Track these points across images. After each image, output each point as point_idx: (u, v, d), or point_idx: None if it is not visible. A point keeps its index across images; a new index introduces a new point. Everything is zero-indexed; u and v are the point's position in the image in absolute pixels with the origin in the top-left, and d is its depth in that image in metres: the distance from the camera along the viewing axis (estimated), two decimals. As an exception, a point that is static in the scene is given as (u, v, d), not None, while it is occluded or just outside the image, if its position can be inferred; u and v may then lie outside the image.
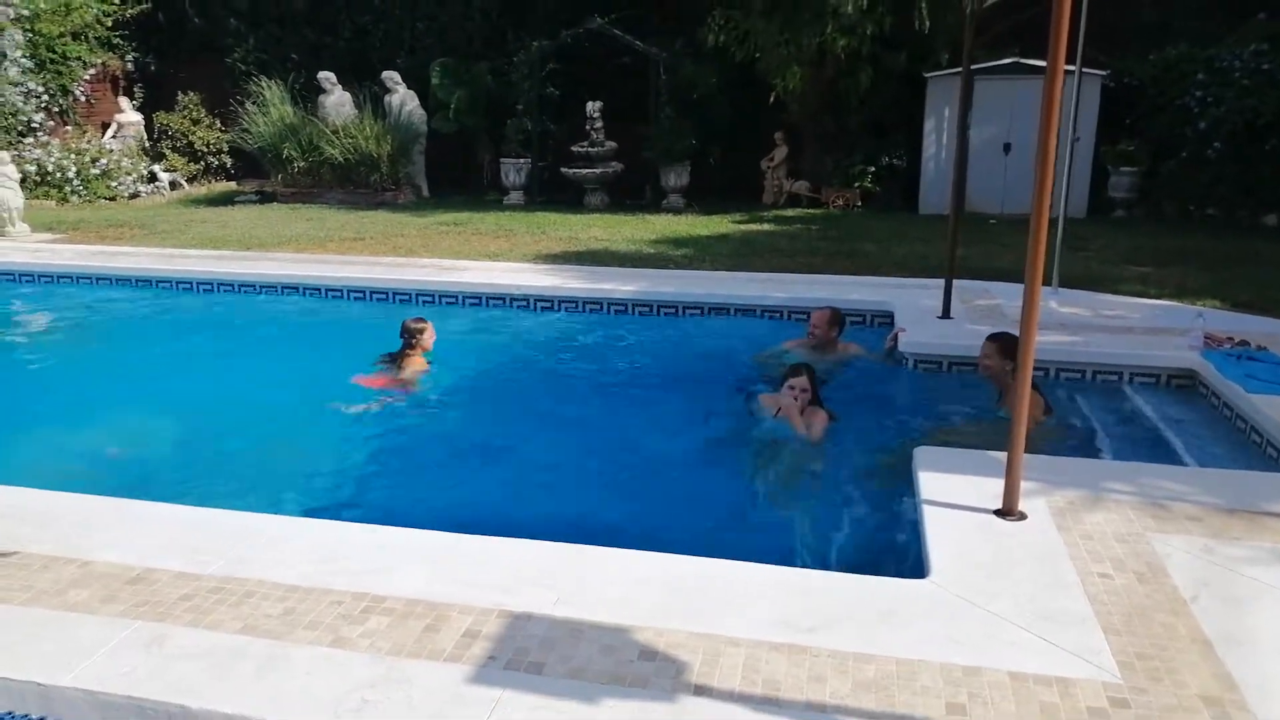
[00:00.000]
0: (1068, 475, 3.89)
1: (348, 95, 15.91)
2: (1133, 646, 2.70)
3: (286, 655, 2.63)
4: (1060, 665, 2.61)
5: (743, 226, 12.57)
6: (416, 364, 6.14)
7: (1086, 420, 5.25)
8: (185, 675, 2.54)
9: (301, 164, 15.58)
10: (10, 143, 15.52)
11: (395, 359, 6.18)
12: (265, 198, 15.79)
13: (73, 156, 15.89)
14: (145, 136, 17.72)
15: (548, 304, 8.08)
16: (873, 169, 14.01)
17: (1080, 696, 2.47)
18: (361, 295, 8.52)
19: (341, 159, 15.28)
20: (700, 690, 2.48)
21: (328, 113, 15.74)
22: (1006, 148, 13.32)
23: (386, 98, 15.93)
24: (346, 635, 2.73)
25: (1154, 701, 2.45)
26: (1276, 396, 4.88)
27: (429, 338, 6.25)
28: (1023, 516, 3.48)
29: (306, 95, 16.13)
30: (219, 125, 17.72)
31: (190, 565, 3.14)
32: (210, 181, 18.05)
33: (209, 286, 8.95)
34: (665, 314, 7.82)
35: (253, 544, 3.30)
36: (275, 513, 3.73)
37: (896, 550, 3.71)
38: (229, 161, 18.01)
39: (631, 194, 15.27)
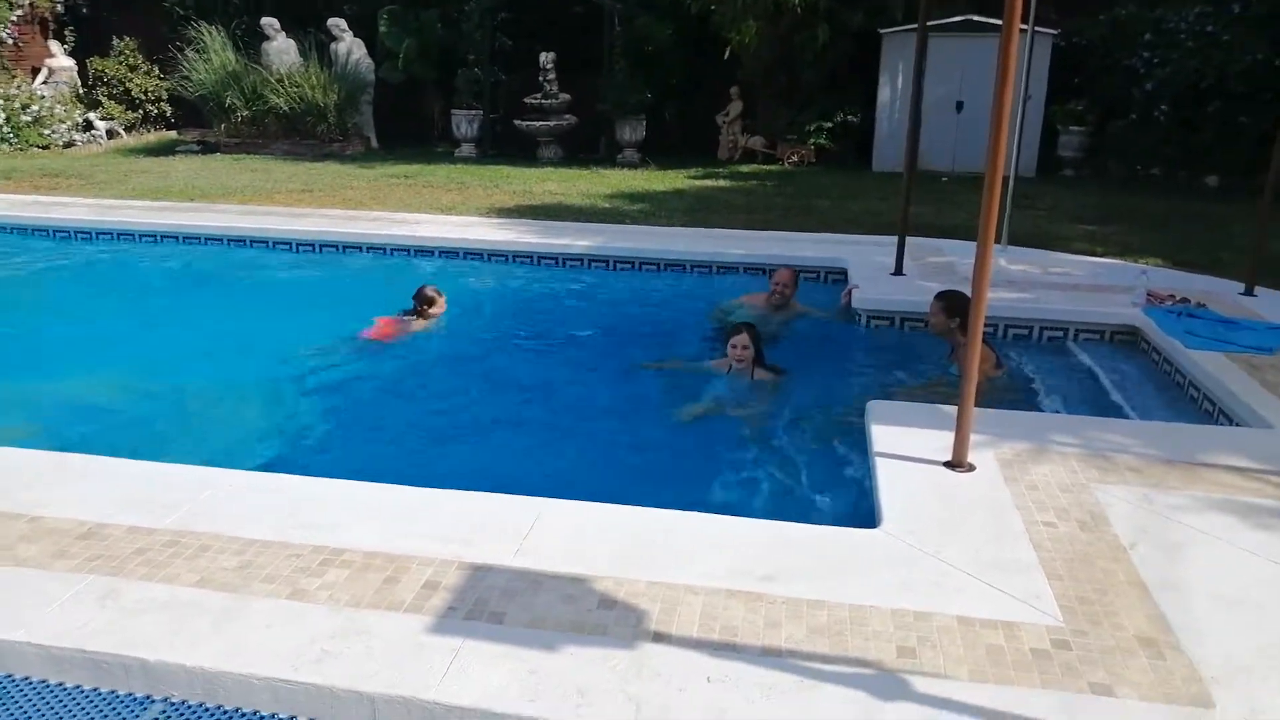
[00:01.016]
0: (1015, 428, 4.00)
1: (292, 43, 15.41)
2: (1074, 591, 2.80)
3: (244, 608, 2.61)
4: (1006, 610, 2.70)
5: (698, 182, 12.53)
6: (415, 327, 6.12)
7: (1034, 376, 5.38)
8: (141, 629, 2.51)
9: (245, 113, 15.12)
10: (-66, 87, 14.83)
11: (402, 316, 6.18)
12: (208, 148, 15.31)
13: (1, 103, 15.22)
14: (79, 83, 17.00)
15: (502, 258, 8.00)
16: (828, 125, 14.01)
17: (1024, 639, 2.57)
18: (311, 248, 8.36)
19: (287, 108, 14.86)
20: (659, 637, 2.53)
21: (271, 60, 15.25)
22: (959, 106, 13.40)
23: (332, 45, 15.47)
24: (305, 588, 2.72)
25: (1093, 643, 2.55)
26: (1213, 352, 5.05)
27: (438, 309, 6.23)
28: (972, 468, 3.57)
29: (249, 42, 15.58)
30: (157, 72, 17.07)
31: (144, 520, 3.10)
32: (150, 131, 17.42)
33: (152, 239, 8.71)
34: (621, 269, 7.80)
35: (208, 498, 3.26)
36: (231, 468, 3.68)
37: (850, 501, 3.79)
38: (169, 110, 17.37)
39: (586, 147, 15.11)
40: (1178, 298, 6.03)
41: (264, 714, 2.37)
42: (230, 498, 3.28)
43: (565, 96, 14.82)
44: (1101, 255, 8.01)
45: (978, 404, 3.59)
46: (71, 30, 17.59)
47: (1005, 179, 6.66)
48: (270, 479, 3.58)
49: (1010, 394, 4.96)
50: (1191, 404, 4.89)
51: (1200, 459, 3.73)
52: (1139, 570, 2.92)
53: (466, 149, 15.16)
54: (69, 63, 16.99)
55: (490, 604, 2.66)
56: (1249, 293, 6.39)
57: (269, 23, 15.34)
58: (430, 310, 6.20)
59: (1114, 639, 2.57)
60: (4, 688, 2.44)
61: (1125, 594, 2.79)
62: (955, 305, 5.08)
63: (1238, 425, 4.34)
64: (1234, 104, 11.68)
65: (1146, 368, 5.49)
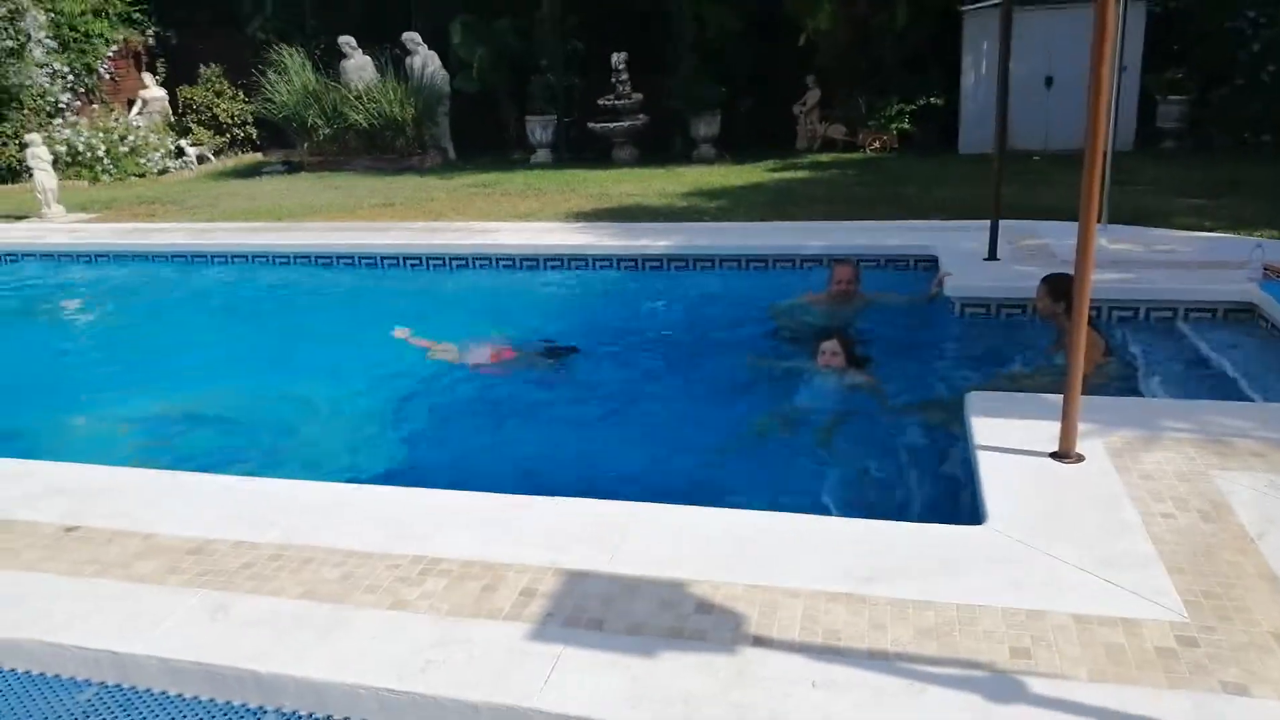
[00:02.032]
0: (1124, 415, 3.80)
1: (368, 59, 15.81)
2: (1199, 585, 2.64)
3: (348, 619, 2.66)
4: (1125, 606, 2.56)
5: (777, 174, 12.37)
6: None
7: (1142, 359, 5.13)
8: (251, 641, 2.58)
9: (326, 131, 15.56)
10: (40, 124, 15.68)
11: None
12: (292, 168, 15.83)
13: (101, 135, 16.02)
14: (170, 111, 17.80)
15: (582, 263, 8.02)
16: (910, 109, 13.67)
17: (1147, 637, 2.43)
18: (395, 262, 8.54)
19: (366, 124, 15.24)
20: (759, 641, 2.48)
21: (349, 78, 15.67)
22: (1048, 81, 12.93)
23: (408, 60, 15.81)
24: (406, 597, 2.75)
25: (1224, 640, 2.40)
26: (1339, 326, 4.73)
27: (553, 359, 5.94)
28: (1080, 458, 3.41)
29: (327, 61, 16.06)
30: (242, 96, 17.74)
31: (248, 534, 3.18)
32: (237, 154, 18.13)
33: (244, 259, 9.02)
34: (701, 268, 7.74)
35: (307, 512, 3.33)
36: (329, 480, 3.76)
37: (953, 497, 3.66)
38: (254, 132, 18.04)
39: (661, 146, 15.09)
40: (1297, 270, 5.67)
41: (371, 723, 2.40)
42: (329, 510, 3.35)
43: (638, 96, 14.82)
44: (1210, 230, 7.60)
45: (1086, 394, 3.43)
46: (162, 61, 18.43)
47: (1103, 154, 6.37)
48: (367, 491, 3.64)
49: (1120, 383, 4.73)
50: (1318, 382, 4.59)
51: (1332, 441, 3.49)
52: (1269, 562, 2.74)
53: (542, 155, 15.30)
54: (160, 93, 17.80)
55: (588, 610, 2.65)
56: (1375, 260, 5.97)
57: (346, 40, 15.77)
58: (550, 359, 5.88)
59: (1246, 635, 2.41)
60: (128, 698, 2.54)
61: (1256, 587, 2.62)
62: (1061, 288, 4.85)
63: (1371, 403, 4.05)
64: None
65: (1266, 345, 5.17)
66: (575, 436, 4.88)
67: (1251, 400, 4.42)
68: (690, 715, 2.22)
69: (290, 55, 15.71)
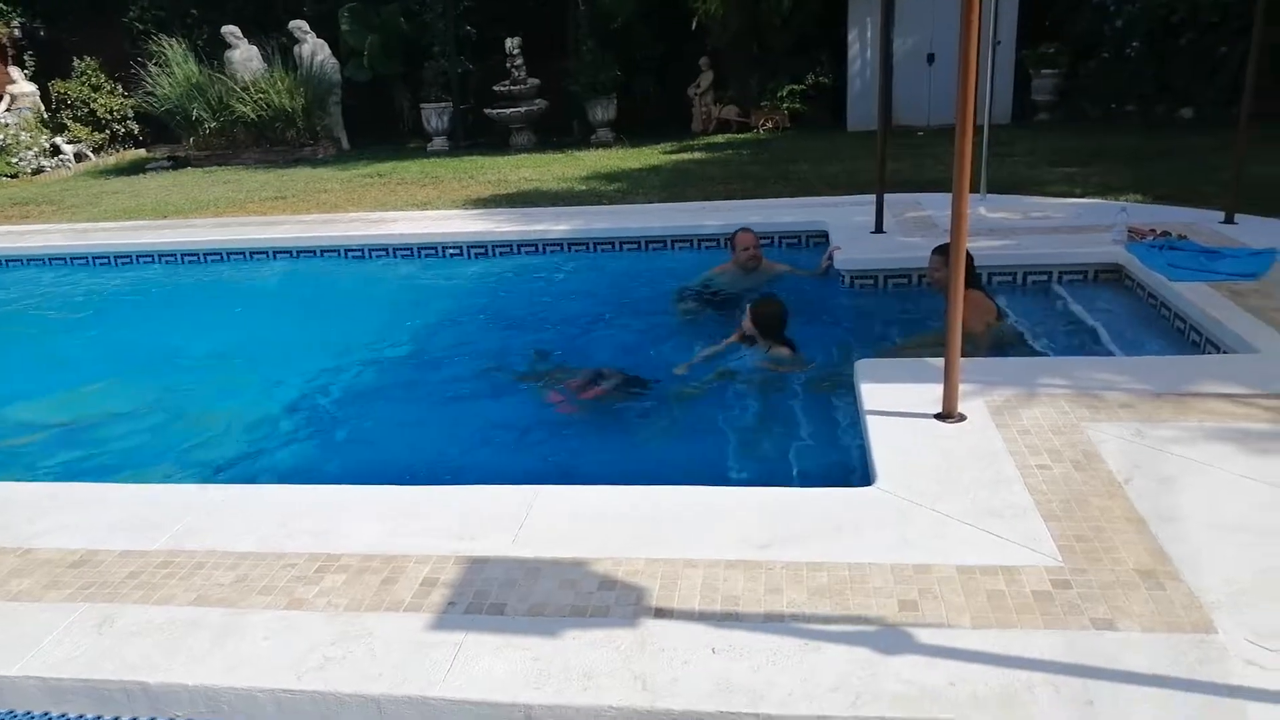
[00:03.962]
0: (1003, 374, 3.99)
1: (255, 49, 15.22)
2: (1072, 531, 2.80)
3: (242, 622, 2.60)
4: (1005, 555, 2.70)
5: (674, 156, 12.45)
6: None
7: (1021, 321, 5.37)
8: (140, 652, 2.50)
9: (213, 125, 14.95)
10: (-102, 125, 14.65)
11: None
12: (178, 163, 15.17)
13: (-35, 135, 15.07)
14: (43, 107, 16.81)
15: (481, 249, 7.95)
16: (800, 89, 13.92)
17: (1025, 582, 2.57)
18: (289, 255, 8.30)
19: (254, 116, 14.71)
20: (661, 613, 2.52)
21: (236, 69, 15.07)
22: (930, 58, 13.32)
23: (296, 49, 15.28)
24: (302, 596, 2.71)
25: (1094, 580, 2.55)
26: (1197, 283, 5.04)
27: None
28: (962, 418, 3.57)
29: (211, 52, 15.40)
30: (121, 90, 16.87)
31: (135, 543, 3.07)
32: (119, 150, 17.24)
33: (128, 259, 8.63)
34: (602, 250, 7.75)
35: (198, 516, 3.23)
36: (222, 483, 3.65)
37: (846, 462, 3.78)
38: (136, 128, 17.19)
39: (559, 131, 15.00)
40: (1159, 232, 6.01)
41: (271, 724, 2.36)
42: (221, 513, 3.26)
43: (534, 81, 14.68)
44: (1081, 196, 7.99)
45: (981, 356, 3.57)
46: (30, 55, 17.38)
47: (979, 127, 6.62)
48: (261, 490, 3.55)
49: (1012, 343, 4.94)
50: (1178, 335, 4.88)
51: (1189, 389, 3.73)
52: (1135, 505, 2.93)
53: (439, 142, 15.04)
54: (30, 88, 16.79)
55: (490, 596, 2.65)
56: (1229, 221, 6.38)
57: (230, 30, 15.15)
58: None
59: (1113, 574, 2.58)
60: (8, 722, 2.43)
61: (1123, 529, 2.79)
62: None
63: (1225, 353, 4.34)
64: (1207, 35, 11.61)
65: (1132, 303, 5.48)
66: (480, 422, 4.84)
67: (1118, 355, 4.68)
68: (592, 689, 2.25)
69: (171, 46, 15.01)
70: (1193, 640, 2.29)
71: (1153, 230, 6.03)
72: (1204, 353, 4.53)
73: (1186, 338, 4.79)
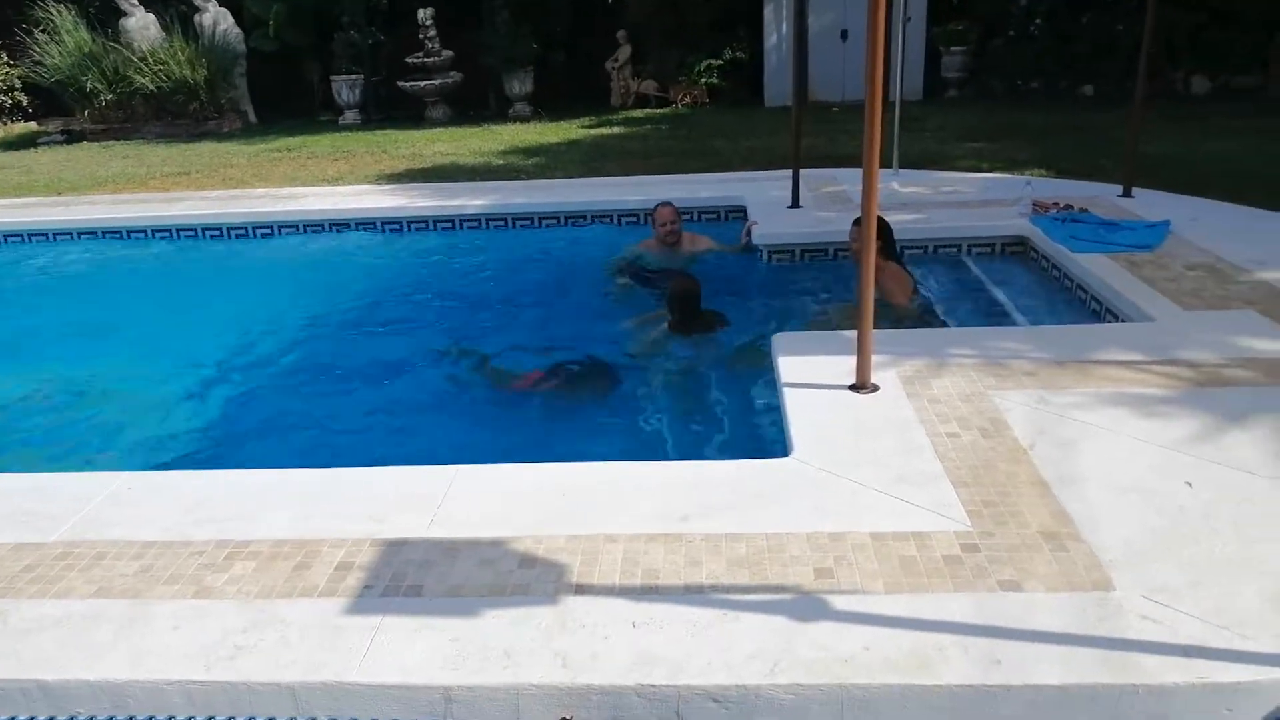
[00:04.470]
0: (915, 345, 4.08)
1: (151, 17, 14.54)
2: (980, 496, 2.89)
3: (147, 613, 2.50)
4: (916, 521, 2.77)
5: (592, 131, 12.36)
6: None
7: (932, 293, 5.50)
8: (35, 649, 2.39)
9: (109, 97, 14.26)
10: None
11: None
12: (73, 137, 14.44)
13: None
14: (-82, 78, 15.79)
15: (395, 225, 7.77)
16: (718, 64, 13.94)
17: (935, 547, 2.64)
18: (192, 234, 7.98)
19: (154, 88, 14.08)
20: (581, 589, 2.52)
21: (132, 38, 14.37)
22: (844, 34, 13.48)
23: (196, 17, 14.66)
24: (211, 584, 2.62)
25: (1000, 543, 2.64)
26: (1097, 254, 5.23)
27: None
28: (875, 388, 3.64)
29: (105, 20, 14.64)
30: (6, 59, 15.93)
31: (31, 535, 2.93)
32: (6, 123, 16.32)
33: (18, 238, 8.18)
34: (521, 226, 7.66)
35: (98, 505, 3.10)
36: (120, 470, 3.50)
37: (764, 434, 3.82)
38: (24, 100, 16.27)
39: (475, 105, 14.74)
40: (1061, 205, 6.22)
41: (179, 718, 2.28)
42: (122, 502, 3.12)
43: (449, 53, 14.39)
44: (989, 171, 8.21)
45: (900, 328, 3.64)
46: (-98, 21, 16.25)
47: (890, 103, 6.74)
48: (167, 477, 3.43)
49: (930, 317, 5.05)
50: (1080, 305, 5.07)
51: (1089, 357, 3.87)
52: (1039, 469, 3.03)
53: (350, 116, 14.64)
54: (-97, 57, 15.74)
55: (407, 578, 2.61)
56: (1127, 194, 6.64)
57: (123, -4, 14.43)
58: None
59: (1019, 537, 2.67)
60: (-107, 728, 2.30)
61: (1027, 493, 2.89)
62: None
63: (1123, 321, 4.52)
64: (1106, 14, 12.02)
65: (1036, 274, 5.66)
66: (400, 405, 4.75)
67: (1023, 325, 4.84)
68: (512, 668, 2.24)
69: (60, 13, 14.20)
70: (1093, 598, 2.38)
71: (1056, 204, 6.24)
72: (1103, 322, 4.72)
73: (1087, 307, 4.98)
